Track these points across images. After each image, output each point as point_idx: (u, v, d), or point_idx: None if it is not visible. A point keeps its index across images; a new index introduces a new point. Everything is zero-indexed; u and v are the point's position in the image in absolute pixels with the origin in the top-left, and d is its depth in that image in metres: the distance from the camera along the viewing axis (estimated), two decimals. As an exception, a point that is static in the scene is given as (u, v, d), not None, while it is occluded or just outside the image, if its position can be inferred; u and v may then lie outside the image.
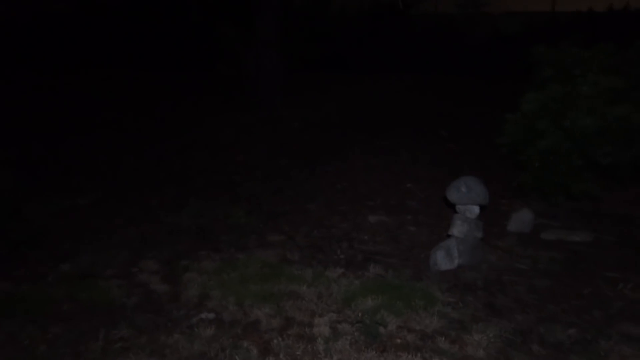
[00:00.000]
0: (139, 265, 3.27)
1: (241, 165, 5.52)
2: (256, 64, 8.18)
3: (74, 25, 12.56)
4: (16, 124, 7.19)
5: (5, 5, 12.35)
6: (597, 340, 2.49)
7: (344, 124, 7.20)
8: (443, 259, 3.23)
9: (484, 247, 3.44)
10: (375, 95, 9.39)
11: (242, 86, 8.79)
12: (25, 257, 3.34)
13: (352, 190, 4.74)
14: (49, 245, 3.53)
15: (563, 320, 2.68)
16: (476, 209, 3.27)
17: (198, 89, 10.06)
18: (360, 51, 12.16)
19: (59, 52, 11.93)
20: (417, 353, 2.36)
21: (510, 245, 3.56)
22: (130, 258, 3.36)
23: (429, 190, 4.68)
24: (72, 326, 2.59)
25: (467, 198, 3.22)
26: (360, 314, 2.68)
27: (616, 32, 9.30)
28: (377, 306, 2.74)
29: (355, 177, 5.06)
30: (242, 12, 9.26)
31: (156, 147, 6.21)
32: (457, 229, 3.26)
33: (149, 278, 3.10)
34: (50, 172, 5.25)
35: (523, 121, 4.07)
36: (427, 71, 11.23)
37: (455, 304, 2.80)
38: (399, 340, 2.47)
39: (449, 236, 3.31)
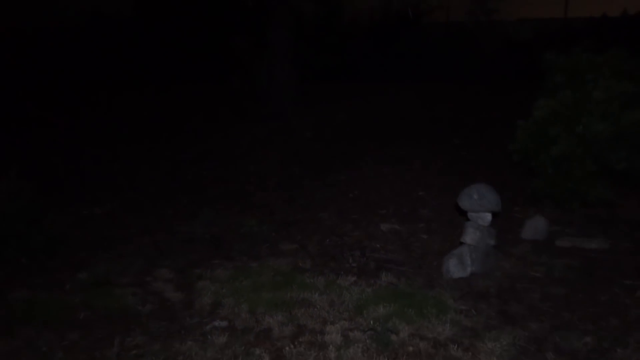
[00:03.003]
0: (154, 273, 3.32)
1: (254, 175, 5.58)
2: (269, 75, 8.29)
3: (88, 42, 12.86)
4: (35, 136, 7.38)
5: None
6: (614, 349, 2.44)
7: (355, 133, 7.24)
8: (456, 267, 3.21)
9: (497, 254, 3.42)
10: (387, 105, 9.41)
11: (255, 97, 8.90)
12: (44, 266, 3.42)
13: (364, 198, 4.75)
14: (66, 254, 3.60)
15: (579, 328, 2.64)
16: (488, 217, 3.25)
17: (211, 100, 10.20)
18: (371, 61, 12.23)
19: (75, 68, 12.21)
20: (430, 361, 2.35)
21: (524, 253, 3.53)
22: (145, 266, 3.42)
23: (441, 198, 4.66)
24: (88, 333, 2.64)
25: (479, 205, 3.21)
26: (372, 322, 2.68)
27: (631, 37, 9.21)
28: (389, 314, 2.73)
29: (367, 185, 5.07)
30: (255, 24, 9.41)
31: (170, 157, 6.31)
32: (470, 237, 3.24)
33: (163, 286, 3.14)
34: (69, 182, 5.37)
35: (535, 128, 4.05)
36: (439, 80, 11.23)
37: (468, 312, 2.79)
38: (411, 348, 2.46)
39: (461, 244, 3.30)
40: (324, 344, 2.50)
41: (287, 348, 2.46)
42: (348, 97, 10.18)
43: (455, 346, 2.46)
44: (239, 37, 9.58)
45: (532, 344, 2.50)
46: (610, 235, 3.78)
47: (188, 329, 2.67)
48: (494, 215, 3.30)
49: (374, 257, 3.57)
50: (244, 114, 8.62)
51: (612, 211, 4.15)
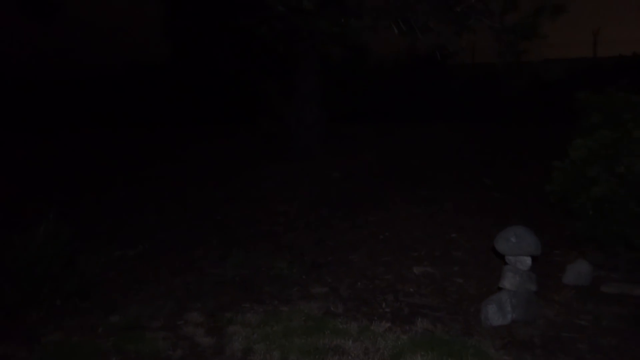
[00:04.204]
0: (184, 317, 3.28)
1: (283, 216, 5.57)
2: (297, 117, 8.44)
3: (121, 82, 13.52)
4: (70, 179, 7.63)
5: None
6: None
7: (384, 174, 7.20)
8: (495, 314, 3.07)
9: (539, 301, 3.25)
10: (416, 145, 9.39)
11: (283, 139, 9.04)
12: (77, 308, 3.44)
13: (395, 240, 4.66)
14: (99, 296, 3.62)
15: (634, 384, 2.45)
16: (528, 260, 3.13)
17: (240, 142, 10.41)
18: (398, 102, 12.34)
19: (104, 110, 12.80)
20: (473, 417, 2.21)
21: (568, 300, 3.35)
22: (175, 309, 3.39)
23: (474, 240, 4.53)
24: (119, 379, 2.60)
25: (518, 248, 3.09)
26: (409, 372, 2.56)
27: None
28: (427, 364, 2.60)
29: (398, 227, 4.99)
30: (282, 67, 9.69)
31: (200, 197, 6.39)
32: (509, 282, 3.11)
33: (194, 330, 3.10)
34: (102, 223, 5.47)
35: (572, 168, 3.94)
36: (466, 120, 11.20)
37: (512, 363, 2.63)
38: (452, 403, 2.32)
39: (499, 289, 3.16)
40: (359, 395, 2.39)
41: (321, 399, 2.36)
42: (375, 137, 10.22)
43: (501, 402, 2.31)
44: (268, 81, 9.86)
45: (584, 401, 2.32)
46: (661, 281, 3.57)
47: (219, 376, 2.61)
48: (533, 259, 3.17)
49: (407, 301, 3.46)
50: (273, 155, 8.74)
51: (659, 255, 3.93)
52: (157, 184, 7.21)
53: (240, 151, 9.40)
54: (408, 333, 2.96)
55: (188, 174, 7.80)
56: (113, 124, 12.26)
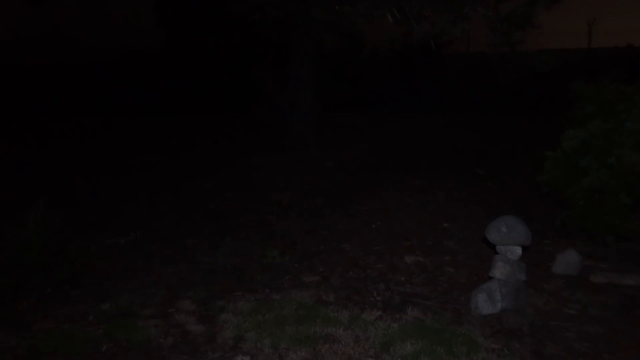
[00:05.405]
0: (176, 305, 3.28)
1: (275, 205, 5.56)
2: (290, 106, 8.39)
3: (112, 73, 13.36)
4: (61, 167, 7.56)
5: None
6: (660, 395, 2.29)
7: (377, 163, 7.20)
8: (485, 303, 3.09)
9: (529, 290, 3.28)
10: (409, 134, 9.39)
11: (277, 127, 8.99)
12: (68, 296, 3.43)
13: (387, 229, 4.67)
14: (90, 284, 3.61)
15: (620, 371, 2.49)
16: (518, 250, 3.15)
17: (234, 130, 10.36)
18: (392, 91, 12.31)
19: (97, 98, 12.67)
20: (462, 404, 2.24)
21: (557, 289, 3.39)
22: (167, 297, 3.39)
23: (466, 230, 4.56)
24: (110, 366, 2.61)
25: (509, 238, 3.11)
26: (399, 360, 2.58)
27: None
28: (417, 352, 2.63)
29: (390, 216, 5.00)
30: (278, 57, 9.61)
31: (193, 186, 6.36)
32: (499, 271, 3.13)
33: (186, 318, 3.10)
34: (94, 211, 5.44)
35: (564, 158, 3.96)
36: (461, 110, 11.20)
37: (501, 351, 2.66)
38: (441, 390, 2.35)
39: (490, 278, 3.19)
40: (349, 383, 2.41)
41: (311, 387, 2.38)
42: (369, 126, 10.20)
43: (489, 389, 2.34)
44: (262, 69, 9.79)
45: (571, 388, 2.36)
46: (648, 271, 3.61)
47: (210, 363, 2.62)
48: (524, 248, 3.19)
49: (398, 290, 3.48)
50: (266, 143, 8.70)
51: (648, 245, 3.98)
52: (150, 172, 7.17)
53: (234, 140, 9.35)
54: (399, 321, 2.98)
55: (180, 162, 7.75)
56: (105, 112, 12.14)
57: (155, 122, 11.58)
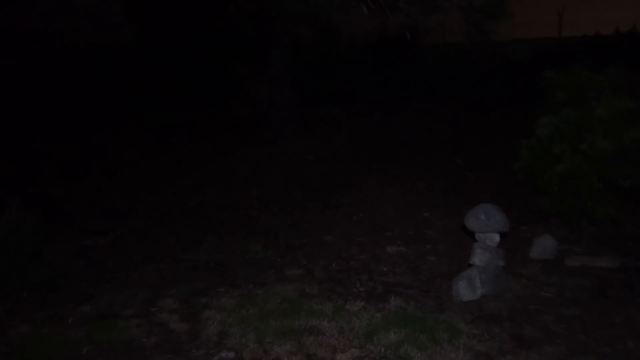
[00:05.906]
0: (158, 303, 3.25)
1: (257, 200, 5.54)
2: (268, 100, 8.33)
3: (87, 68, 13.02)
4: (35, 167, 7.37)
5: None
6: (633, 372, 2.38)
7: (357, 155, 7.22)
8: (465, 289, 3.16)
9: (507, 275, 3.36)
10: (387, 126, 9.43)
11: (256, 122, 8.93)
12: (46, 299, 3.36)
13: (369, 221, 4.70)
14: (69, 286, 3.54)
15: (595, 351, 2.57)
16: (496, 237, 3.22)
17: (211, 126, 10.23)
18: (369, 83, 12.33)
19: (75, 98, 12.33)
20: (445, 389, 2.28)
21: (534, 273, 3.47)
22: (149, 297, 3.35)
23: (446, 218, 4.62)
24: (92, 368, 2.57)
25: (487, 226, 3.17)
26: (383, 349, 2.61)
27: (623, 54, 9.32)
28: (400, 340, 2.67)
29: (371, 207, 5.03)
30: (254, 50, 9.52)
31: (172, 185, 6.28)
32: (478, 258, 3.20)
33: (168, 317, 3.08)
34: (70, 212, 5.33)
35: (538, 145, 4.04)
36: (437, 100, 11.30)
37: (481, 336, 2.72)
38: (425, 376, 2.39)
39: (470, 265, 3.25)
40: (334, 374, 2.43)
41: (297, 379, 2.39)
42: (348, 119, 10.21)
43: (471, 373, 2.39)
44: (238, 63, 9.69)
45: (549, 368, 2.43)
46: (620, 253, 3.73)
47: (194, 361, 2.61)
48: (502, 235, 3.26)
49: (381, 280, 3.52)
50: (245, 138, 8.63)
51: (619, 228, 4.10)
52: (127, 171, 7.04)
53: (212, 136, 9.24)
54: (382, 311, 3.02)
55: (159, 161, 7.64)
56: (77, 110, 11.83)
57: (131, 120, 11.36)
